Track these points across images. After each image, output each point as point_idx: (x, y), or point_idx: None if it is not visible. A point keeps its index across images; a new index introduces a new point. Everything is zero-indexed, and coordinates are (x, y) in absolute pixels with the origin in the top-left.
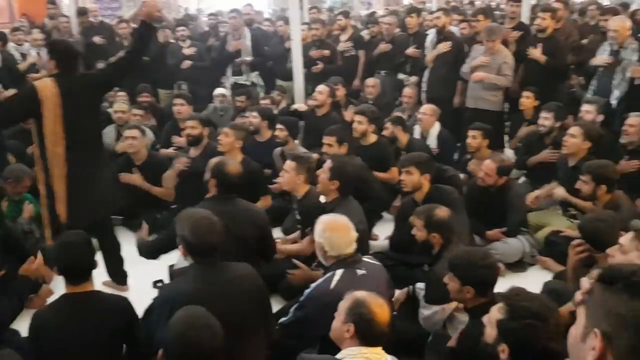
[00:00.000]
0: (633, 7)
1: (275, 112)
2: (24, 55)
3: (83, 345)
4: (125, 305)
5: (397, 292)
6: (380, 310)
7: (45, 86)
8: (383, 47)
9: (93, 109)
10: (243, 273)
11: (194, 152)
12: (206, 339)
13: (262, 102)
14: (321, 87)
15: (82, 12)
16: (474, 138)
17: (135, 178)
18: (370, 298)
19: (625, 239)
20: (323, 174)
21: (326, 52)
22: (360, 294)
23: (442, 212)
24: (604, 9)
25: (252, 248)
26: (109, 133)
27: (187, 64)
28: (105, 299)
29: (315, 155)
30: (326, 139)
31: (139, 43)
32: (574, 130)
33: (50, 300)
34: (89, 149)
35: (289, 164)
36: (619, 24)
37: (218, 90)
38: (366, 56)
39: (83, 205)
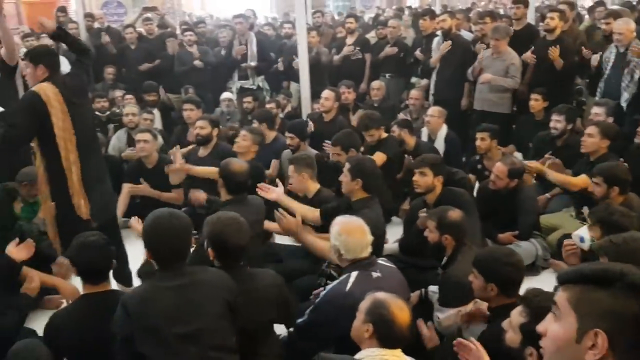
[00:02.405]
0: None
1: (281, 115)
2: None
3: (102, 345)
4: None
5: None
6: (401, 312)
7: (45, 89)
8: (389, 50)
9: (88, 104)
10: (269, 282)
11: (202, 152)
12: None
13: (267, 105)
14: (327, 93)
15: (89, 17)
16: (483, 140)
17: (143, 188)
18: (391, 300)
19: None
20: (344, 177)
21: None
22: (382, 295)
23: (455, 214)
24: (607, 12)
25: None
26: (120, 137)
27: (198, 64)
28: None
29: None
30: (332, 149)
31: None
32: (591, 129)
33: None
34: (93, 143)
35: (290, 169)
36: (624, 27)
37: (225, 95)
38: (372, 59)
39: (100, 199)
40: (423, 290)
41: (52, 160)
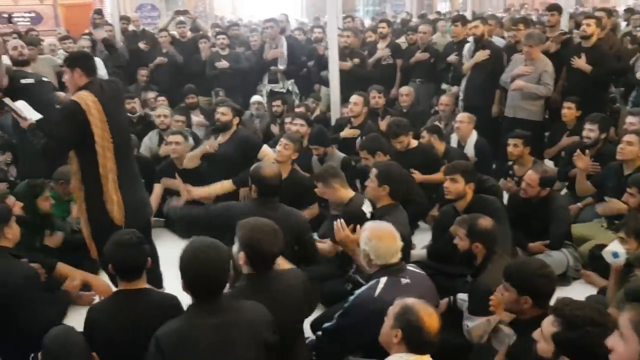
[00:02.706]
0: None
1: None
2: None
3: (134, 340)
4: (175, 304)
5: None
6: (429, 318)
7: (84, 98)
8: (420, 55)
9: (124, 109)
10: (295, 282)
11: (222, 138)
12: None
13: (297, 109)
14: (355, 98)
15: (124, 19)
16: (515, 146)
17: (177, 183)
18: (420, 305)
19: None
20: (371, 182)
21: (356, 60)
22: (410, 300)
23: (485, 222)
24: None
25: (292, 251)
26: (152, 137)
27: (228, 70)
28: (157, 296)
29: None
30: (361, 153)
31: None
32: (631, 137)
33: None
34: (129, 149)
35: (319, 186)
36: None
37: (254, 98)
38: (402, 64)
39: (136, 205)
40: (452, 297)
41: (88, 167)
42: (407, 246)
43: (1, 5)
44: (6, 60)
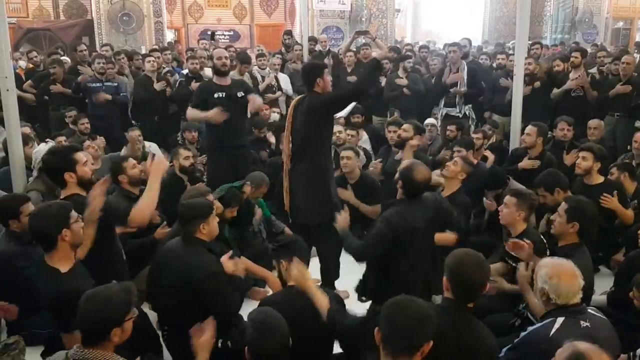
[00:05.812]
0: None
1: (485, 147)
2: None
3: (299, 332)
4: (339, 300)
5: None
6: None
7: (295, 99)
8: (621, 88)
9: (313, 124)
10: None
11: (400, 155)
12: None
13: (473, 135)
14: (529, 128)
15: (312, 40)
16: None
17: (348, 194)
18: (594, 353)
19: None
20: (559, 217)
21: (537, 83)
22: (583, 346)
23: None
24: None
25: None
26: None
27: (406, 91)
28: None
29: None
30: (538, 190)
31: (366, 75)
32: None
33: None
34: (306, 158)
35: (510, 199)
36: None
37: (428, 120)
38: (599, 96)
39: (297, 204)
40: (631, 354)
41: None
42: (590, 289)
43: (207, 23)
44: (208, 72)
